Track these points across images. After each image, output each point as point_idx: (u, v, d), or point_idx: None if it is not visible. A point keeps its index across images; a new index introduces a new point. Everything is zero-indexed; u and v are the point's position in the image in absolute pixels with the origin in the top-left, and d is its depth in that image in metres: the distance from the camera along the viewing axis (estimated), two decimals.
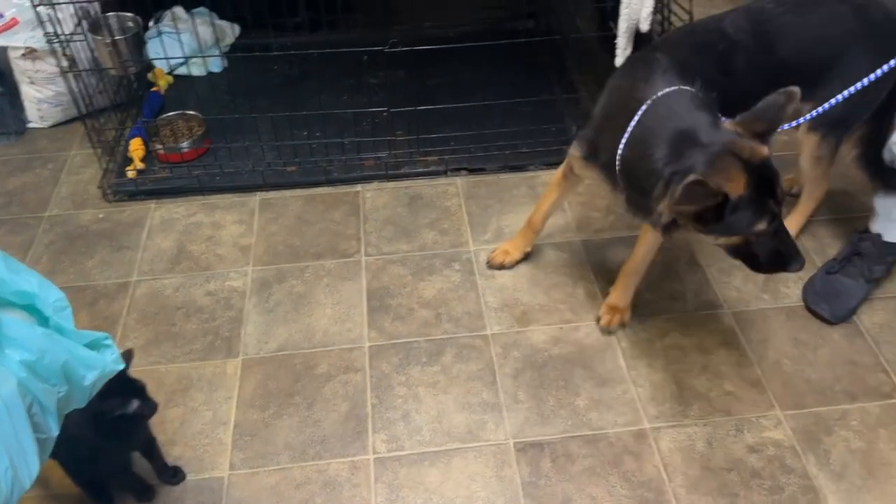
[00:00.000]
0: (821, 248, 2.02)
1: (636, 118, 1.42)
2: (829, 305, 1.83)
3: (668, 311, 1.87)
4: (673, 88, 1.42)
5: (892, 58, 1.41)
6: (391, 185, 2.25)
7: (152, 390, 1.37)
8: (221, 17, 2.67)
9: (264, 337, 1.82)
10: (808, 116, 1.51)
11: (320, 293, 1.92)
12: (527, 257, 1.98)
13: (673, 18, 2.47)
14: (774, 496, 1.51)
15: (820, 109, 1.48)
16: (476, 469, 1.56)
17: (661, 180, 1.33)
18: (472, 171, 2.28)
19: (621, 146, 1.44)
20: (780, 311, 1.86)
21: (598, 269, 1.98)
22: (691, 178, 1.25)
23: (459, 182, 2.25)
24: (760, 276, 1.94)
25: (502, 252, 1.97)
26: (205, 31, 2.53)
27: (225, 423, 1.64)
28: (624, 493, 1.51)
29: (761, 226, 1.33)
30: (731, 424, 1.63)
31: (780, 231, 1.37)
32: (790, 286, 1.92)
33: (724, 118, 1.38)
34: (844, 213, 2.10)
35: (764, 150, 1.32)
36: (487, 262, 1.97)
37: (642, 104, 1.41)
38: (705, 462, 1.56)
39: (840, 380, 1.71)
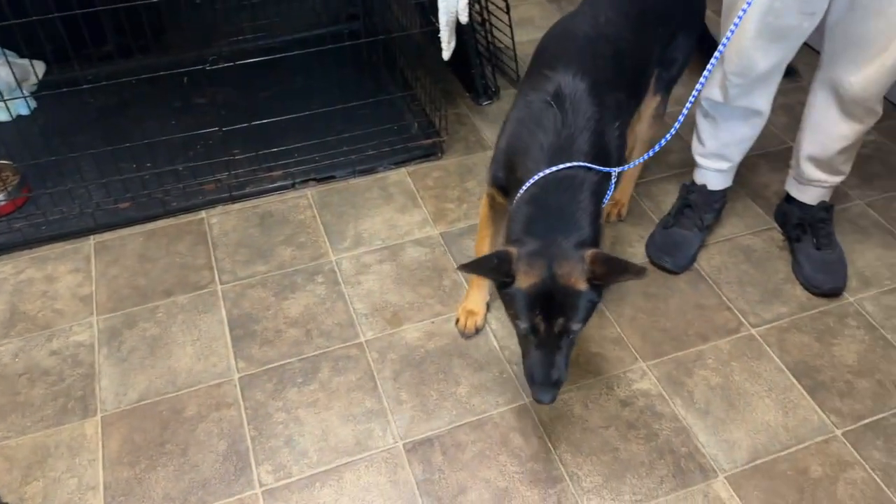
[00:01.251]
0: (656, 206, 2.16)
1: (527, 185, 1.40)
2: (672, 257, 1.97)
3: None
4: (564, 169, 1.39)
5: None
6: (237, 206, 2.16)
7: (3, 469, 1.24)
8: (20, 55, 2.45)
9: (122, 389, 1.69)
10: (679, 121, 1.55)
11: (177, 332, 1.82)
12: (489, 308, 1.86)
13: (491, 7, 2.57)
14: (651, 443, 1.60)
15: (695, 93, 1.48)
16: (369, 479, 1.54)
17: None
18: (320, 180, 2.24)
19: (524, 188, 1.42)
20: (691, 272, 1.97)
21: (459, 258, 2.01)
22: (504, 249, 1.34)
23: (310, 193, 2.21)
24: (608, 240, 2.06)
25: (467, 316, 1.82)
26: (2, 73, 2.31)
27: (93, 487, 1.52)
28: (515, 470, 1.55)
29: (521, 325, 1.34)
30: (602, 384, 1.72)
31: (541, 354, 1.34)
32: (634, 245, 2.05)
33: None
34: (672, 171, 2.26)
35: (579, 285, 1.30)
36: (462, 334, 1.81)
37: (538, 168, 1.40)
38: (584, 424, 1.64)
39: (692, 324, 1.85)
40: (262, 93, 2.52)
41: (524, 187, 1.41)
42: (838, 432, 1.62)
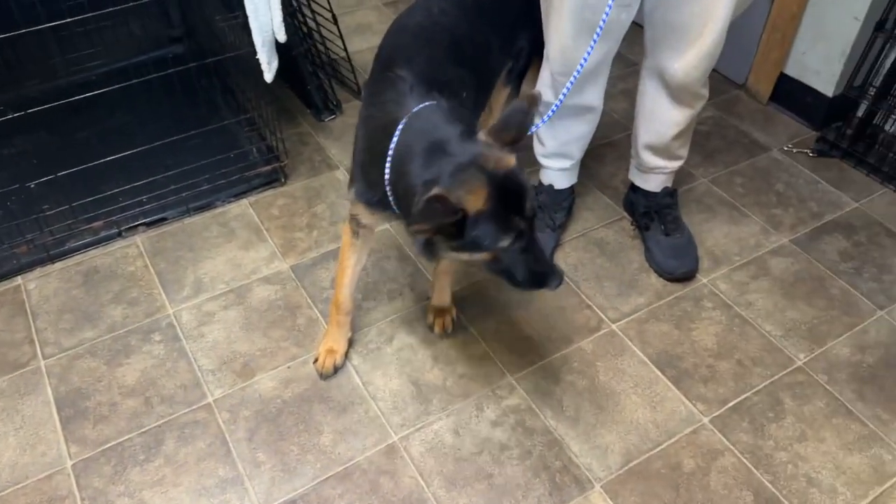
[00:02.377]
0: None
1: (393, 141, 1.31)
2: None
3: (390, 314, 1.84)
4: (423, 105, 1.33)
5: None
6: (58, 266, 1.94)
7: None
8: None
9: None
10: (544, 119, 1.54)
11: None
12: (352, 344, 1.76)
13: (320, 19, 2.44)
14: (525, 462, 1.55)
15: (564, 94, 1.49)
16: None
17: (415, 196, 1.22)
18: (150, 224, 2.05)
19: (387, 173, 1.33)
20: (487, 280, 1.92)
21: (314, 291, 1.89)
22: (431, 193, 1.16)
23: (139, 240, 2.01)
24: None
25: (326, 354, 1.70)
26: None
27: None
28: None
29: (504, 242, 1.23)
30: (472, 406, 1.65)
31: (531, 248, 1.28)
32: None
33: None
34: None
35: (511, 161, 1.23)
36: (321, 375, 1.69)
37: (397, 126, 1.31)
38: (456, 453, 1.56)
39: (555, 328, 1.82)
40: (80, 133, 2.29)
41: (390, 150, 1.30)
42: (706, 420, 1.63)
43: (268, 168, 2.18)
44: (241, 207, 2.13)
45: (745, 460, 1.56)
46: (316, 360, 1.71)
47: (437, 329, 1.79)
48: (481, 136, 1.27)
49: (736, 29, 2.50)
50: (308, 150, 2.33)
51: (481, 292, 1.89)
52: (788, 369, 1.74)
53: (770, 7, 2.40)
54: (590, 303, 1.87)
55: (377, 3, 3.06)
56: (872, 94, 2.23)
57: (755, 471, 1.54)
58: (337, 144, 2.34)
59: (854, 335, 1.82)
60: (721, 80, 2.63)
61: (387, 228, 2.03)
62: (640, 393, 1.68)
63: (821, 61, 2.34)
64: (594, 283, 1.92)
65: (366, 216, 1.50)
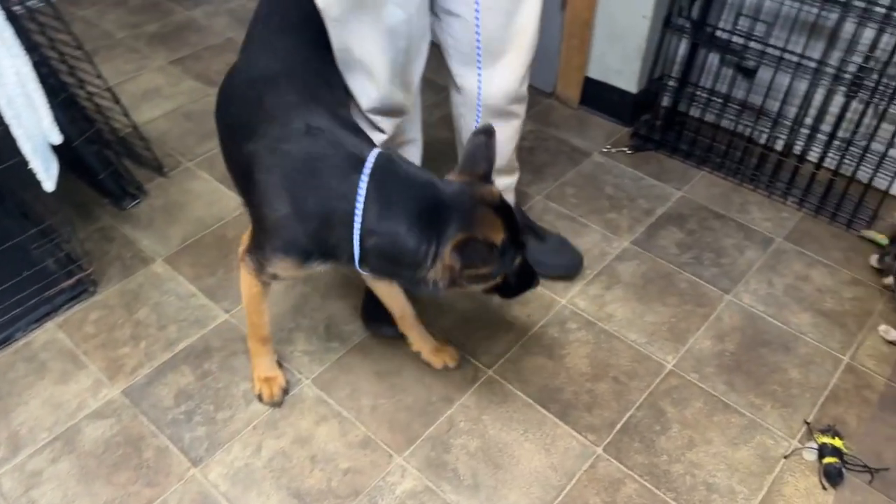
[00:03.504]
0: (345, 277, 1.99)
1: (359, 197, 1.26)
2: (391, 324, 1.81)
3: (251, 419, 1.65)
4: (375, 154, 1.29)
5: None
6: None
7: None
8: None
9: None
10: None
11: None
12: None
13: (96, 98, 2.16)
14: None
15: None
16: None
17: (426, 255, 1.25)
18: None
19: (356, 228, 1.27)
20: (351, 353, 1.79)
21: (157, 414, 1.65)
22: (460, 238, 1.22)
23: None
24: (319, 330, 1.84)
25: (264, 384, 1.68)
26: None
27: None
28: None
29: (519, 259, 1.36)
30: (365, 503, 1.52)
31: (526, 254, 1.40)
32: (349, 322, 1.86)
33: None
34: None
35: (496, 190, 1.32)
36: (273, 404, 1.68)
37: (355, 180, 1.26)
38: None
39: (432, 389, 1.72)
40: None
41: (357, 213, 1.26)
42: (599, 450, 1.61)
43: (71, 281, 1.89)
44: (48, 333, 1.83)
45: (645, 483, 1.55)
46: (260, 397, 1.68)
47: (450, 363, 1.76)
48: (451, 177, 1.33)
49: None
50: (115, 247, 2.05)
51: (345, 370, 1.75)
52: (661, 375, 1.76)
53: (562, 15, 2.45)
54: (462, 352, 1.79)
55: (161, 62, 2.79)
56: (673, 84, 2.35)
57: (658, 491, 1.54)
58: (148, 233, 2.09)
59: (710, 325, 1.88)
60: (532, 92, 2.64)
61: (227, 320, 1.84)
62: (531, 438, 1.62)
63: (620, 61, 2.43)
64: (463, 328, 1.84)
65: (291, 270, 1.42)
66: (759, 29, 2.15)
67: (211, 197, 2.21)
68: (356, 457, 1.58)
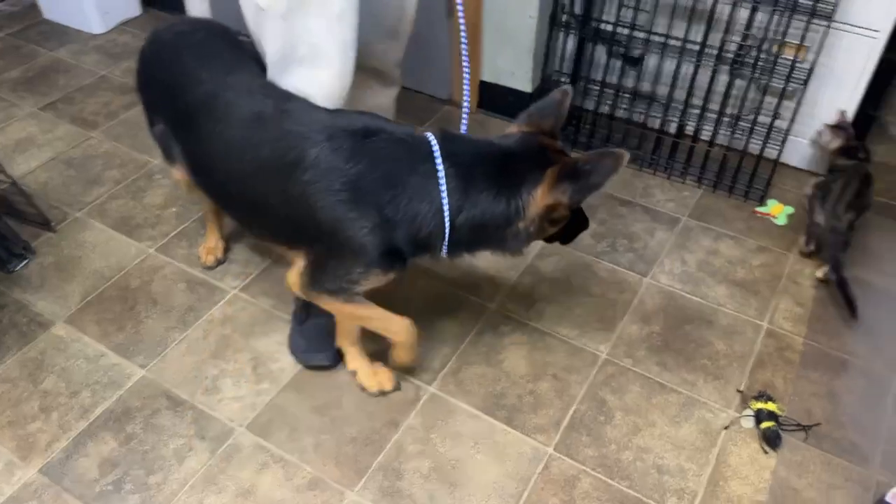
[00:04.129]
0: (280, 303, 1.91)
1: (443, 188, 1.30)
2: (322, 352, 1.75)
3: (184, 481, 1.55)
4: (434, 137, 1.33)
5: None
6: None
7: None
8: None
9: None
10: None
11: None
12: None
13: None
14: None
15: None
16: None
17: (515, 209, 1.33)
18: None
19: (447, 221, 1.32)
20: (285, 391, 1.71)
21: (82, 489, 1.51)
22: (556, 170, 1.31)
23: None
24: (247, 372, 1.75)
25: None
26: None
27: None
28: None
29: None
30: None
31: None
32: (278, 358, 1.78)
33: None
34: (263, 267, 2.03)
35: (557, 143, 1.40)
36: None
37: (434, 175, 1.30)
38: None
39: (376, 415, 1.67)
40: None
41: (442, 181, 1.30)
42: (550, 450, 1.61)
43: None
44: None
45: (599, 475, 1.56)
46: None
47: (386, 387, 1.71)
48: (513, 129, 1.41)
49: (426, 48, 2.54)
50: (7, 314, 1.88)
51: (280, 411, 1.67)
52: (597, 365, 1.78)
53: (450, 22, 2.45)
54: (400, 373, 1.75)
55: (31, 109, 2.59)
56: (565, 80, 2.39)
57: (612, 482, 1.55)
58: (42, 294, 1.92)
59: (635, 310, 1.93)
60: (429, 100, 2.65)
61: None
62: (482, 449, 1.61)
63: (512, 62, 2.45)
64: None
65: (382, 280, 1.42)
66: (642, 18, 2.23)
67: (107, 247, 2.06)
68: (307, 500, 1.51)
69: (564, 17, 2.29)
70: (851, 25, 2.06)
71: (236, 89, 1.46)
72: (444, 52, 2.52)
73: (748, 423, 1.66)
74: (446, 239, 1.35)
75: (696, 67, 2.19)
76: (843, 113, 2.17)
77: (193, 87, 1.49)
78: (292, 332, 1.80)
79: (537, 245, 2.10)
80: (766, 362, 1.79)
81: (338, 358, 1.75)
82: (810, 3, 1.94)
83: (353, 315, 1.56)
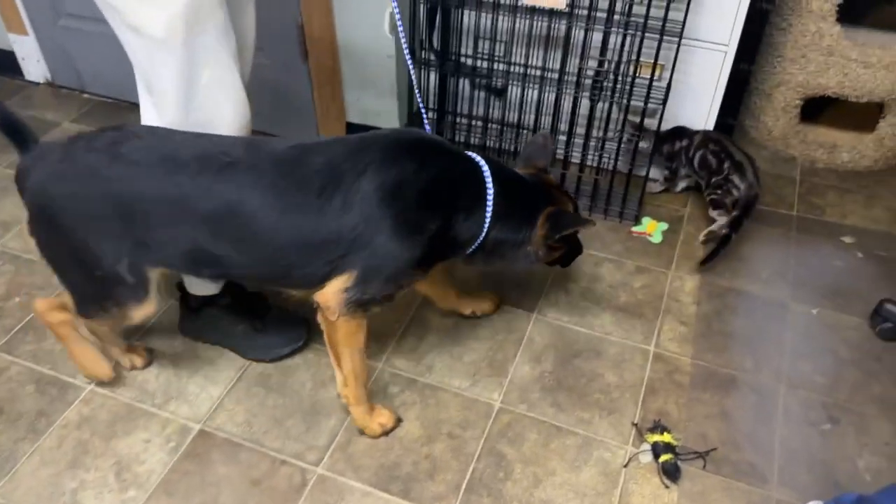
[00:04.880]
0: (146, 393, 1.73)
1: (489, 207, 1.50)
2: (293, 336, 1.79)
3: None
4: (483, 160, 1.53)
5: None
6: None
7: None
8: None
9: None
10: None
11: None
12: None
13: None
14: None
15: None
16: None
17: (528, 233, 1.57)
18: None
19: (483, 235, 1.53)
20: (153, 499, 1.54)
21: None
22: (549, 210, 1.57)
23: None
24: (109, 480, 1.57)
25: (377, 424, 1.67)
26: None
27: None
28: None
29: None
30: None
31: None
32: (144, 462, 1.61)
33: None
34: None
35: (555, 181, 1.72)
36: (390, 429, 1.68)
37: (483, 193, 1.50)
38: None
39: None
40: None
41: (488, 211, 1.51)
42: None
43: None
44: None
45: None
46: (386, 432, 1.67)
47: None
48: (523, 170, 1.66)
49: (286, 95, 2.42)
50: None
51: (205, 463, 1.51)
52: (492, 416, 1.71)
53: (306, 66, 2.34)
54: (283, 457, 1.61)
55: None
56: (432, 116, 2.33)
57: None
58: None
59: (525, 349, 1.87)
60: None
61: None
62: None
63: (376, 102, 2.37)
64: (276, 430, 1.66)
65: (418, 279, 1.59)
66: (501, 49, 2.20)
67: None
68: None
69: (423, 54, 2.23)
70: (702, 41, 2.11)
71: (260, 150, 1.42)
72: (305, 97, 2.41)
73: (646, 457, 1.63)
74: (474, 247, 1.55)
75: (559, 94, 2.18)
76: None
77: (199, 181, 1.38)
78: (255, 346, 1.82)
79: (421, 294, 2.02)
80: (658, 388, 1.78)
81: (305, 333, 1.84)
82: (659, 23, 1.96)
83: (354, 345, 1.56)
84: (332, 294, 1.44)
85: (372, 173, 1.37)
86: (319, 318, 1.51)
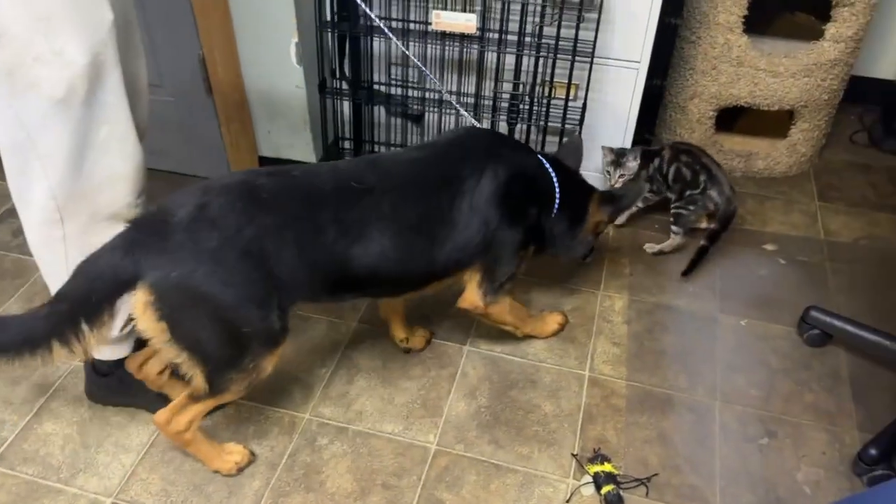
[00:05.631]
0: (49, 469, 1.58)
1: (557, 190, 1.69)
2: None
3: None
4: (545, 156, 1.73)
5: None
6: None
7: None
8: None
9: None
10: None
11: None
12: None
13: None
14: None
15: None
16: None
17: (583, 220, 1.78)
18: None
19: (556, 203, 1.71)
20: None
21: None
22: (600, 196, 1.80)
23: None
24: None
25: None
26: None
27: None
28: None
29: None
30: None
31: None
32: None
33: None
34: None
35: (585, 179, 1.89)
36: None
37: (552, 183, 1.69)
38: None
39: None
40: None
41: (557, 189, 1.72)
42: None
43: None
44: None
45: None
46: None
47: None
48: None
49: (194, 133, 2.31)
50: None
51: None
52: (429, 460, 1.64)
53: (212, 101, 2.23)
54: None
55: None
56: (348, 146, 2.26)
57: None
58: None
59: (459, 384, 1.81)
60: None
61: None
62: None
63: (288, 135, 2.28)
64: (196, 497, 1.53)
65: (527, 256, 1.72)
66: (415, 75, 2.14)
67: None
68: None
69: (336, 83, 2.16)
70: (614, 59, 2.10)
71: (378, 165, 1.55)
72: (213, 133, 2.30)
73: (588, 489, 1.58)
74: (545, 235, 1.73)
75: (475, 118, 2.14)
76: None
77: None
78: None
79: (349, 333, 1.93)
80: (595, 414, 1.74)
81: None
82: (571, 44, 1.94)
83: (517, 310, 1.82)
84: (470, 297, 1.66)
85: (487, 179, 1.54)
86: (474, 315, 1.74)
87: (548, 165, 1.69)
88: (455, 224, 1.52)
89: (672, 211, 2.16)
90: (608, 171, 2.19)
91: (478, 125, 1.99)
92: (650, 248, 2.20)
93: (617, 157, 2.17)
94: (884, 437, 1.62)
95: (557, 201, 1.69)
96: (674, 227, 2.16)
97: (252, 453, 1.61)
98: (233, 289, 1.31)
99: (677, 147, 2.20)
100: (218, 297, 1.30)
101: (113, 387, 1.70)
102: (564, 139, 2.08)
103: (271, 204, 1.35)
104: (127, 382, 1.69)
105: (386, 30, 1.84)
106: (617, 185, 2.17)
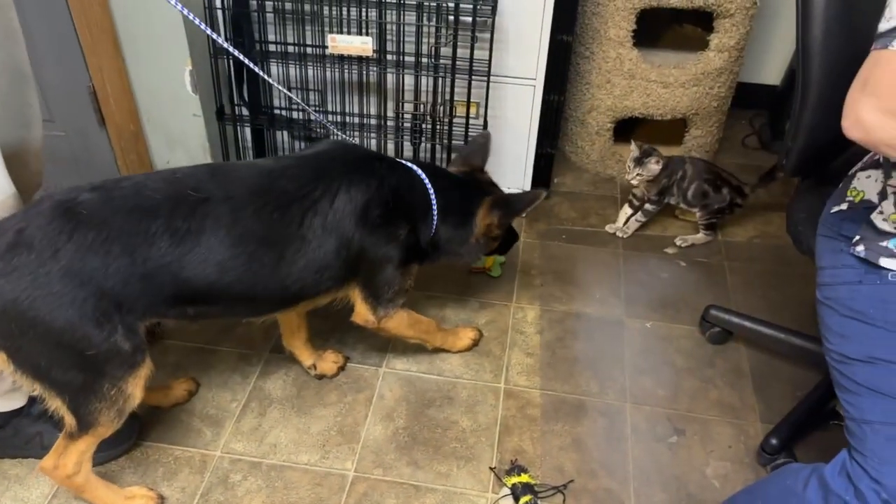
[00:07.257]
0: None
1: (433, 201, 1.65)
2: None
3: None
4: (416, 165, 1.67)
5: None
6: None
7: None
8: None
9: None
10: None
11: None
12: None
13: None
14: None
15: None
16: None
17: (473, 224, 1.71)
18: None
19: (434, 219, 1.66)
20: None
21: None
22: (491, 200, 1.72)
23: None
24: None
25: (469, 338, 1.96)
26: None
27: None
28: None
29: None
30: None
31: None
32: None
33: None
34: None
35: (489, 178, 1.83)
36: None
37: (426, 190, 1.65)
38: None
39: None
40: None
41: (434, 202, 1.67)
42: None
43: None
44: None
45: None
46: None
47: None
48: (453, 168, 1.80)
49: (89, 166, 2.22)
50: None
51: None
52: (347, 488, 1.61)
53: (105, 132, 2.16)
54: None
55: None
56: None
57: None
58: None
59: (376, 408, 1.79)
60: None
61: None
62: None
63: (189, 163, 2.20)
64: None
65: (413, 274, 1.71)
66: (316, 98, 2.13)
67: None
68: None
69: (235, 109, 2.12)
70: (510, 77, 2.15)
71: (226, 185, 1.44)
72: (108, 165, 2.22)
73: (507, 502, 1.59)
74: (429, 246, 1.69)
75: (380, 139, 2.14)
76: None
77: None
78: None
79: (260, 363, 1.89)
80: (512, 426, 1.76)
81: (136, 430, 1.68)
82: (467, 64, 1.97)
83: (419, 323, 1.80)
84: (361, 312, 1.66)
85: (342, 200, 1.49)
86: (373, 330, 1.71)
87: (423, 176, 1.65)
88: (307, 241, 1.46)
89: (704, 222, 2.33)
90: (629, 165, 2.23)
91: (346, 139, 2.00)
92: (681, 240, 2.34)
93: (641, 156, 2.22)
94: (783, 426, 1.69)
95: (435, 211, 1.65)
96: (704, 231, 2.35)
97: (160, 496, 1.55)
98: (60, 310, 1.25)
99: (696, 163, 2.31)
100: (46, 320, 1.25)
101: (9, 439, 1.61)
102: (472, 135, 2.09)
103: (91, 219, 1.30)
104: (23, 434, 1.60)
105: (244, 58, 1.83)
106: (633, 182, 2.25)
